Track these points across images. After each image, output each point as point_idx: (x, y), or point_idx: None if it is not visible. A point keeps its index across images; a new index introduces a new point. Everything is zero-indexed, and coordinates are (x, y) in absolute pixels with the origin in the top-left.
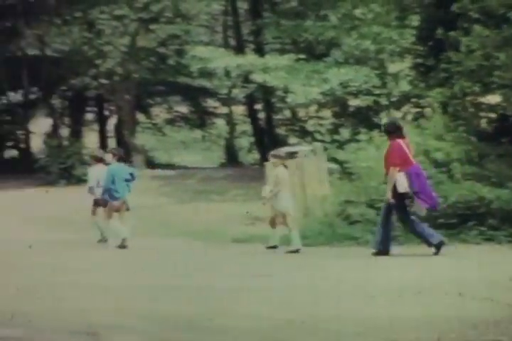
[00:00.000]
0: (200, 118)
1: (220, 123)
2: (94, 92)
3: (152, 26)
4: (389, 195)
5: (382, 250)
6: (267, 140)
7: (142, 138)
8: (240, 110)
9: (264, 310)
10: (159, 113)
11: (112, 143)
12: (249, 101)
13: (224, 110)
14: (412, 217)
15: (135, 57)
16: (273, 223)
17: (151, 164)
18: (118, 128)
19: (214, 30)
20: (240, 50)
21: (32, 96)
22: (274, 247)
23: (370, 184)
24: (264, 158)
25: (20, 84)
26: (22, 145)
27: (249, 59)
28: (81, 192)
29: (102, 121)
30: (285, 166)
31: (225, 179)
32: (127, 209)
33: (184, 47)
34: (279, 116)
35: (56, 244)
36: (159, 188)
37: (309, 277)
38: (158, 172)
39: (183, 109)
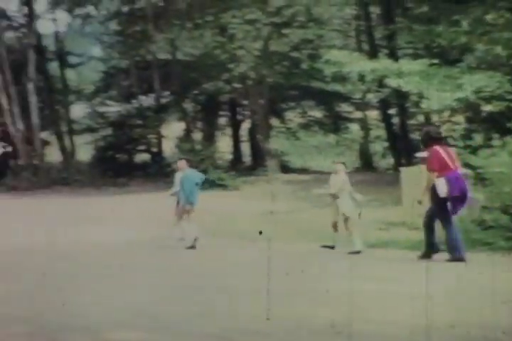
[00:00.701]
0: (334, 123)
1: (354, 127)
2: (227, 96)
3: (285, 31)
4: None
5: (424, 253)
6: (400, 145)
7: (276, 143)
8: (373, 115)
9: (400, 315)
10: (293, 117)
11: (245, 147)
12: (383, 105)
13: (358, 115)
14: (453, 223)
15: (268, 61)
16: (335, 227)
17: (285, 168)
18: (251, 132)
19: (347, 34)
20: (373, 54)
21: (163, 101)
22: (332, 247)
23: (504, 189)
24: (398, 163)
25: (151, 88)
26: (154, 149)
27: (383, 63)
28: (214, 196)
29: (235, 125)
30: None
31: (359, 184)
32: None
33: (317, 51)
34: (412, 121)
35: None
36: (294, 193)
37: (449, 283)
38: (293, 176)
39: (317, 113)
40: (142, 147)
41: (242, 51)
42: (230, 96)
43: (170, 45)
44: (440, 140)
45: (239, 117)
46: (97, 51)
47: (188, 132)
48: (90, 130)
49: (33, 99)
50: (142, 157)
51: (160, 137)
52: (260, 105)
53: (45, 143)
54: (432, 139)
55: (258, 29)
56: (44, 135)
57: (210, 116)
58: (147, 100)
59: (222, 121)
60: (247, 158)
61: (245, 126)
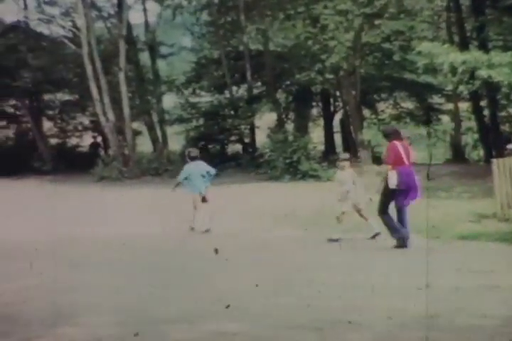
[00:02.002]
0: (426, 115)
1: (446, 119)
2: (320, 87)
3: (376, 22)
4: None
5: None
6: (491, 137)
7: (368, 134)
8: (465, 106)
9: (501, 308)
10: (385, 109)
11: (337, 138)
12: (475, 97)
13: (449, 106)
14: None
15: (360, 52)
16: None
17: (377, 160)
18: (344, 123)
19: (438, 26)
20: (463, 46)
21: (255, 91)
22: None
23: None
24: (489, 155)
25: (243, 78)
26: (246, 140)
27: (474, 55)
28: (305, 187)
29: (327, 116)
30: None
31: (450, 175)
32: (204, 201)
33: (409, 43)
34: (503, 113)
35: (291, 241)
36: None
37: None
38: (384, 168)
39: (409, 104)
40: (234, 138)
41: (333, 42)
42: (323, 87)
43: (262, 36)
44: (399, 135)
45: (331, 108)
46: (187, 41)
47: (280, 123)
48: (182, 120)
49: (124, 89)
50: (234, 148)
51: (252, 128)
52: (352, 96)
53: (136, 133)
54: (395, 134)
55: (350, 20)
56: (135, 125)
57: (303, 106)
58: (239, 91)
59: (315, 111)
60: (339, 149)
61: (337, 117)
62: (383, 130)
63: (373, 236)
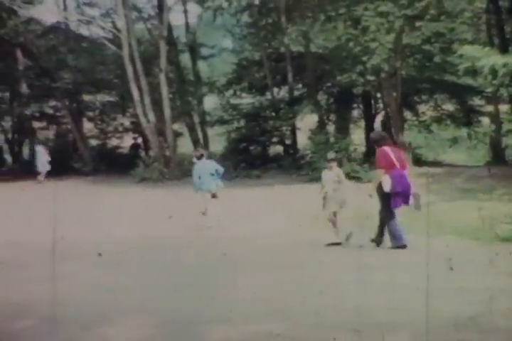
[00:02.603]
0: (466, 116)
1: (486, 121)
2: (361, 89)
3: (417, 23)
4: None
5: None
6: None
7: (409, 136)
8: (505, 108)
9: None
10: (426, 110)
11: None
12: None
13: (489, 108)
14: (394, 216)
15: (401, 54)
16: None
17: (418, 161)
18: (385, 125)
19: (478, 28)
20: (503, 48)
21: (297, 93)
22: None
23: None
24: None
25: (284, 80)
26: (287, 142)
27: None
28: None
29: (368, 118)
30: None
31: (491, 178)
32: (214, 197)
33: (449, 45)
34: None
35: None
36: (427, 186)
37: None
38: (425, 169)
39: (449, 106)
40: (275, 139)
41: (374, 43)
42: (364, 88)
43: (303, 37)
44: (387, 141)
45: (372, 110)
46: (228, 43)
47: (321, 124)
48: (223, 122)
49: (165, 91)
50: (276, 149)
51: (293, 129)
52: (393, 98)
53: (177, 134)
54: (384, 139)
55: (390, 22)
56: (176, 126)
57: (344, 108)
58: (280, 92)
59: (355, 113)
60: None
61: (379, 118)
62: (371, 136)
63: (331, 244)
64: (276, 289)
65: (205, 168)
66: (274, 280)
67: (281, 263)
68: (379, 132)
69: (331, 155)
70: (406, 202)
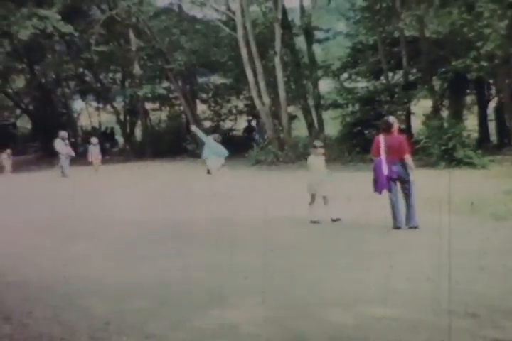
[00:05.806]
0: None
1: None
2: (475, 75)
3: None
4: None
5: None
6: None
7: None
8: None
9: None
10: None
11: (491, 126)
12: None
13: None
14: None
15: None
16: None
17: None
18: (498, 112)
19: None
20: None
21: (411, 77)
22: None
23: None
24: None
25: (399, 64)
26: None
27: None
28: (461, 174)
29: (482, 104)
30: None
31: None
32: (209, 173)
33: None
34: None
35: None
36: None
37: None
38: None
39: None
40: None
41: (488, 29)
42: (477, 74)
43: (417, 22)
44: (388, 129)
45: (486, 96)
46: (342, 27)
47: (435, 109)
48: (337, 105)
49: (280, 74)
50: None
51: (408, 114)
52: (506, 84)
53: (292, 117)
54: (386, 127)
55: (504, 8)
56: (290, 109)
57: (458, 94)
58: (395, 76)
59: (469, 99)
60: (493, 136)
61: (491, 105)
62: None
63: (314, 221)
64: (385, 274)
65: (213, 148)
66: (384, 266)
67: (403, 243)
68: (385, 119)
69: (319, 142)
70: (381, 187)
